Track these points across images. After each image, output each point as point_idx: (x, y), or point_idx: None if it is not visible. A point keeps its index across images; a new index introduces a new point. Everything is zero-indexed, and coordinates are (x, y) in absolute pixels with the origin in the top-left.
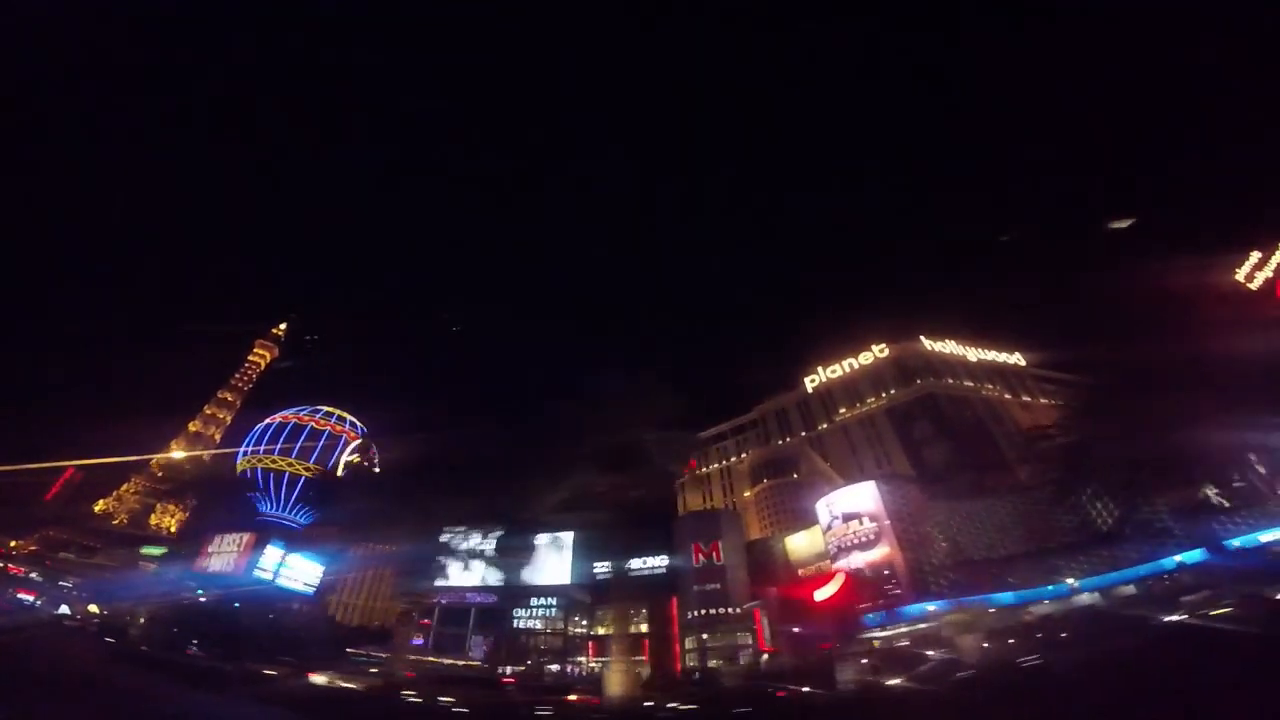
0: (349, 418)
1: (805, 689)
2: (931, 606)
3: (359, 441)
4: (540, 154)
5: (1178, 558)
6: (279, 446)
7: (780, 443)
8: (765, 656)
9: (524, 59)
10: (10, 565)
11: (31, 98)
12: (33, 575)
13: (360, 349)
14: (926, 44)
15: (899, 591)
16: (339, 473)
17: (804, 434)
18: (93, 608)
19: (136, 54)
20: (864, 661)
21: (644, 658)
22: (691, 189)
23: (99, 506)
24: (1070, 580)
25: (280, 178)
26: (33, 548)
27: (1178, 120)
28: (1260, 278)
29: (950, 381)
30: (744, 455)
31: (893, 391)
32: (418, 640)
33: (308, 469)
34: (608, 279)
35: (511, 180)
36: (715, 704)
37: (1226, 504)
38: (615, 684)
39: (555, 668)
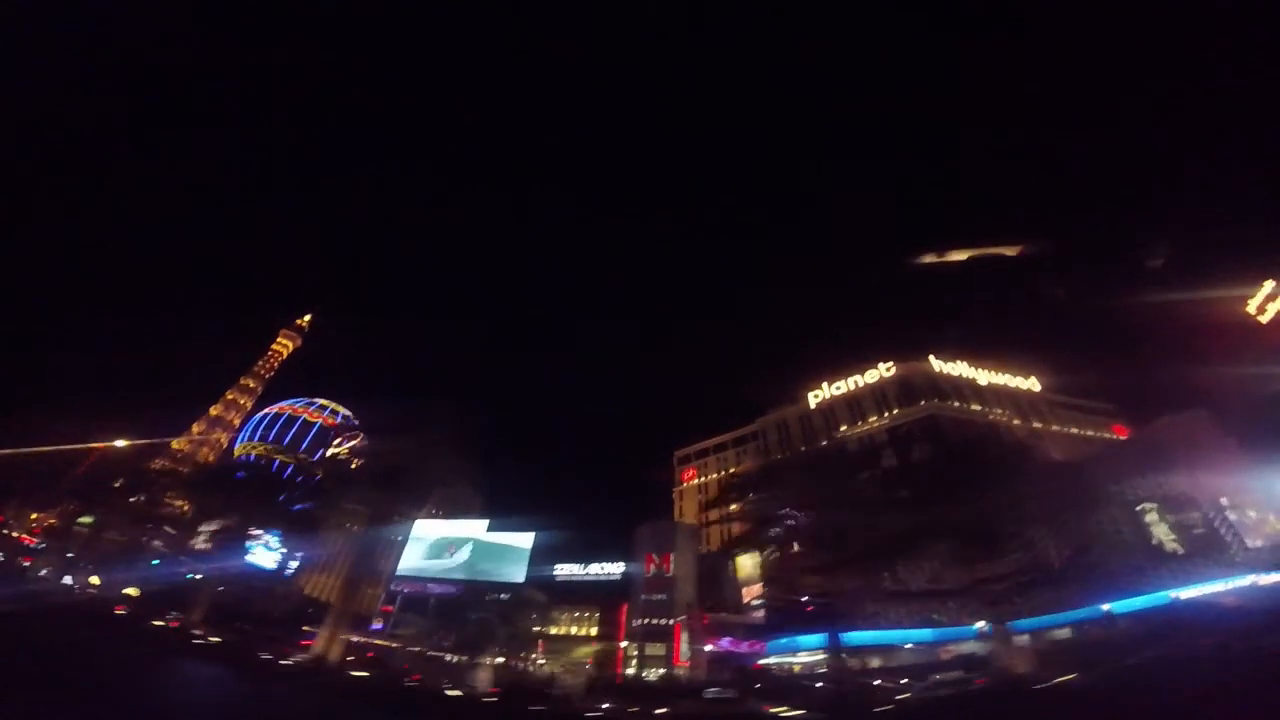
0: (341, 410)
1: None
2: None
3: (347, 433)
4: (547, 164)
5: (1105, 606)
6: (273, 435)
7: (778, 457)
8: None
9: (534, 70)
10: (24, 536)
11: (45, 93)
12: (43, 546)
13: (377, 344)
14: (936, 54)
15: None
16: (321, 462)
17: (802, 449)
18: (93, 579)
19: (157, 48)
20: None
21: (589, 661)
22: (699, 210)
23: (118, 484)
24: (980, 624)
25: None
26: (52, 521)
27: (1193, 144)
28: (1271, 310)
29: (956, 404)
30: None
31: (895, 411)
32: (377, 625)
33: (295, 458)
34: (615, 289)
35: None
36: None
37: (1180, 550)
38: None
39: (501, 660)
